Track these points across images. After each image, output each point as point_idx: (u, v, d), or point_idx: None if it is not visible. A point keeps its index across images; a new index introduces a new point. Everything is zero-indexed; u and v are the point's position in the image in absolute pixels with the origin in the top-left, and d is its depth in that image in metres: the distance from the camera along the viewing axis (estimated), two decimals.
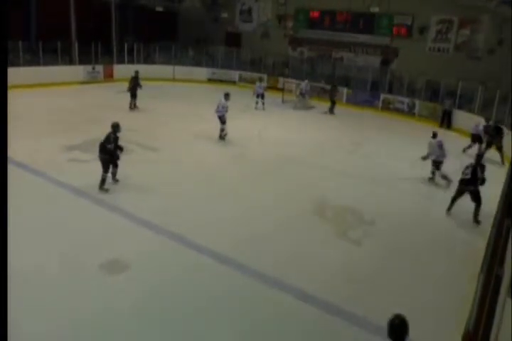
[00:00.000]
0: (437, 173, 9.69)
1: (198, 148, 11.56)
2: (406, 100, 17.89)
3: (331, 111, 17.13)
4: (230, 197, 8.54)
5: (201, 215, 7.58)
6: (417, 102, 17.50)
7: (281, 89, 19.01)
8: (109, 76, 20.38)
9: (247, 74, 21.77)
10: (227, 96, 11.79)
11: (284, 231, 7.30)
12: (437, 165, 9.60)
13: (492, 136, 11.91)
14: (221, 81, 21.76)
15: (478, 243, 6.77)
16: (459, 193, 8.00)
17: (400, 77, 19.15)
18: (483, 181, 7.66)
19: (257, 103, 16.82)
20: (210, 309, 5.17)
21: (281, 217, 7.75)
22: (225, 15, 24.75)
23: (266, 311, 5.23)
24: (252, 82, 20.72)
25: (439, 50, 19.70)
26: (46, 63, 18.44)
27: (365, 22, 21.20)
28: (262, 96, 16.77)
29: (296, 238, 7.10)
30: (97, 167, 8.23)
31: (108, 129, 8.13)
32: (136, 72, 15.11)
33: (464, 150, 12.41)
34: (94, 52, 20.12)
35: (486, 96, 15.42)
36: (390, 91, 18.96)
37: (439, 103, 16.67)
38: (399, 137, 14.28)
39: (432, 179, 9.90)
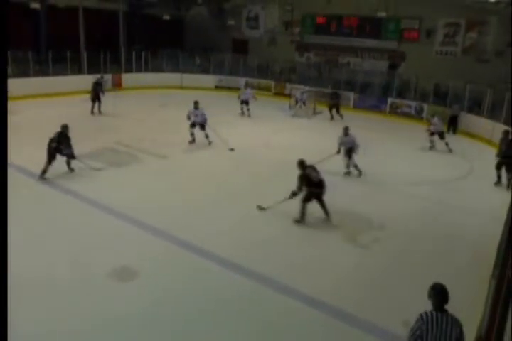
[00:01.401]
0: (350, 162, 10.01)
1: (204, 154, 11.70)
2: (414, 104, 17.82)
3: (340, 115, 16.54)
4: (236, 202, 8.55)
5: (209, 221, 7.60)
6: (425, 106, 17.42)
7: (289, 95, 19.03)
8: (117, 85, 20.55)
9: (255, 81, 21.82)
10: (195, 104, 12.23)
11: (293, 236, 7.28)
12: (350, 154, 9.91)
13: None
14: (228, 88, 21.81)
15: (487, 245, 6.67)
16: (309, 198, 7.42)
17: (408, 81, 19.09)
18: None
19: (241, 109, 16.36)
20: (218, 312, 5.20)
21: (289, 222, 7.72)
22: (231, 22, 24.90)
23: (274, 315, 5.21)
24: (260, 88, 20.83)
25: (446, 53, 19.63)
26: (55, 73, 18.69)
27: (371, 27, 21.22)
28: (247, 102, 16.23)
29: (305, 243, 7.07)
30: (106, 174, 8.29)
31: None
32: (99, 78, 16.17)
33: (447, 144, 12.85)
34: (103, 61, 20.34)
35: (494, 99, 15.30)
36: (398, 95, 18.89)
37: (448, 107, 16.55)
38: (406, 141, 14.17)
39: (348, 173, 10.21)
